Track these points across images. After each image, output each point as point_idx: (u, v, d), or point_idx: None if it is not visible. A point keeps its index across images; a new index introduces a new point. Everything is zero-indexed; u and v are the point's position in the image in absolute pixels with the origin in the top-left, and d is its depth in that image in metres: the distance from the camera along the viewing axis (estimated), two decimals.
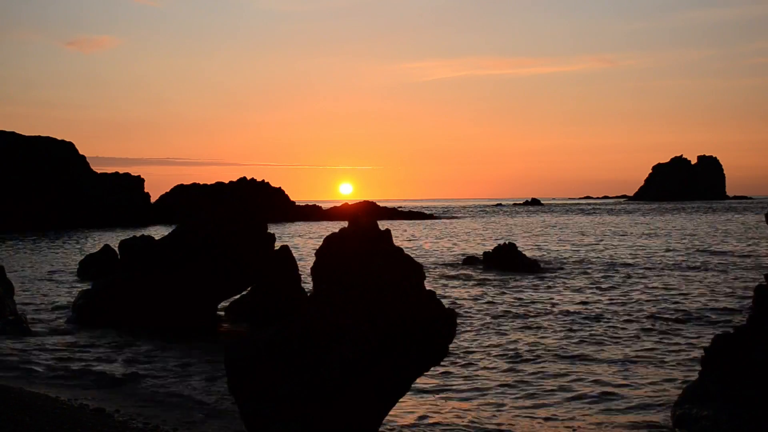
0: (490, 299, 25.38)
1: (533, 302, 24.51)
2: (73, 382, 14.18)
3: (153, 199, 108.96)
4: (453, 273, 34.37)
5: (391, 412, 9.80)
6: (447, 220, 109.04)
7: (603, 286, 28.57)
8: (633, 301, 24.43)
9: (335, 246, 9.09)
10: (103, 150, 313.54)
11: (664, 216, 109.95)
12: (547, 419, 11.77)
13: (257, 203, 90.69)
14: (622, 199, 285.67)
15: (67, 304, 23.97)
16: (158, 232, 68.42)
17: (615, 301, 24.55)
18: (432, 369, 9.49)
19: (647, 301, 24.38)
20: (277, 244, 22.44)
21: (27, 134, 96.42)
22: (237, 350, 9.00)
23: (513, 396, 13.12)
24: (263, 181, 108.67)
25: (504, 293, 26.84)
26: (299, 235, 69.79)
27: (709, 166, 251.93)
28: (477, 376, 14.56)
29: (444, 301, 12.08)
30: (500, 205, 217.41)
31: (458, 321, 10.33)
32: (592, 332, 19.07)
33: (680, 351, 16.65)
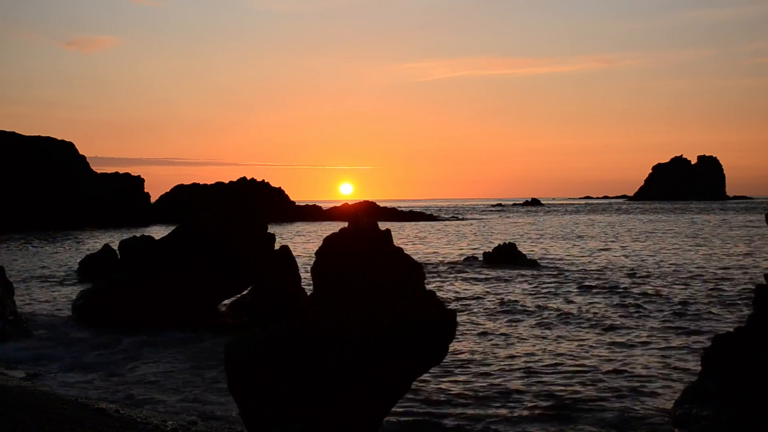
0: (490, 299, 25.37)
1: (533, 301, 24.49)
2: (73, 382, 14.19)
3: (153, 199, 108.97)
4: (453, 273, 34.35)
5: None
6: (447, 221, 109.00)
7: (602, 285, 28.54)
8: (632, 301, 24.42)
9: (335, 246, 9.08)
10: (103, 150, 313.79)
11: (664, 216, 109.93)
12: (544, 418, 11.77)
13: (257, 203, 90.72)
14: (622, 199, 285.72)
15: (67, 304, 23.97)
16: (158, 232, 68.40)
17: (614, 301, 24.54)
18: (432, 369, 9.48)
19: (646, 301, 24.37)
20: (277, 244, 22.44)
21: (27, 134, 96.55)
22: (237, 350, 9.00)
23: (510, 397, 13.11)
24: (263, 181, 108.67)
25: (504, 293, 26.83)
26: (299, 235, 69.76)
27: (709, 166, 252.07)
28: (476, 378, 14.56)
29: (444, 301, 12.08)
30: (500, 205, 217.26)
31: (458, 320, 10.33)
32: (591, 331, 19.07)
33: (679, 351, 16.64)
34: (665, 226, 77.66)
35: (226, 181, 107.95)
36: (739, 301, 23.87)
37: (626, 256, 41.68)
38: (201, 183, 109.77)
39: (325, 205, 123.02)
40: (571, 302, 24.41)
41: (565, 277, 31.48)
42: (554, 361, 15.69)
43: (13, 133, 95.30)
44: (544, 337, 18.50)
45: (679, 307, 22.91)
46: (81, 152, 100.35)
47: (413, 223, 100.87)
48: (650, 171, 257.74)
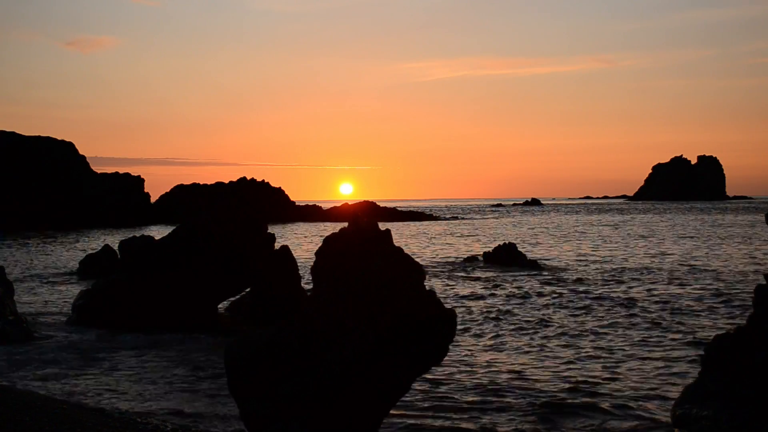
0: (490, 299, 25.37)
1: (532, 301, 24.50)
2: (73, 382, 14.19)
3: (153, 199, 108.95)
4: (453, 273, 34.35)
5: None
6: (447, 221, 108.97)
7: (601, 285, 28.55)
8: (632, 301, 24.42)
9: (335, 246, 9.08)
10: (103, 150, 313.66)
11: (664, 216, 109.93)
12: (539, 422, 11.77)
13: (257, 203, 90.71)
14: (622, 199, 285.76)
15: (67, 304, 23.97)
16: (158, 232, 68.38)
17: (613, 301, 24.53)
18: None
19: (646, 301, 24.37)
20: (277, 244, 22.42)
21: (27, 134, 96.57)
22: (237, 350, 9.00)
23: (509, 398, 13.11)
24: (263, 181, 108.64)
25: (504, 293, 26.83)
26: (299, 235, 69.75)
27: (709, 166, 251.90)
28: (473, 379, 14.55)
29: (444, 301, 12.08)
30: (500, 205, 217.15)
31: (458, 321, 10.33)
32: (591, 332, 19.06)
33: (679, 351, 16.64)
34: (665, 227, 77.65)
35: (226, 181, 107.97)
36: (738, 301, 23.87)
37: (625, 257, 41.67)
38: (201, 183, 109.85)
39: (325, 205, 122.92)
40: (570, 303, 24.40)
41: (564, 278, 31.46)
42: (551, 363, 15.69)
43: (13, 133, 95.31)
44: (541, 339, 18.48)
45: (678, 307, 22.92)
46: (81, 152, 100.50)
47: (413, 223, 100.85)
48: (650, 171, 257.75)
